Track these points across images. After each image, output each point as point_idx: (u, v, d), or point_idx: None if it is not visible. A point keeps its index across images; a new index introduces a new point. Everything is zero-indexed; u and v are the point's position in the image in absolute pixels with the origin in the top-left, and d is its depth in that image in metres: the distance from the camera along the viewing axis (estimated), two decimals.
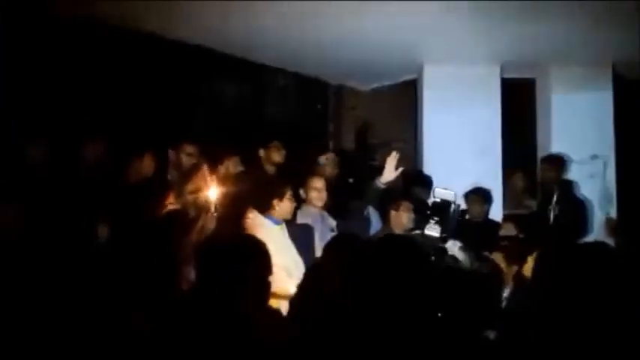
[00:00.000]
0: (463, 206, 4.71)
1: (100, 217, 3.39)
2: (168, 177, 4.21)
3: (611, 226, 5.05)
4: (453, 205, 3.78)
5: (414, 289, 2.23)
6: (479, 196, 4.97)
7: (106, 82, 4.66)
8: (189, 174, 3.92)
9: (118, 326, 1.95)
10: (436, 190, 3.86)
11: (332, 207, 4.26)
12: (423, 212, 3.88)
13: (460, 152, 5.62)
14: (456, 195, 3.88)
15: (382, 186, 4.07)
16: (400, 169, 4.01)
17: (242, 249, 2.09)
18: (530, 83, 6.18)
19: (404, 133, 6.58)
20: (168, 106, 5.10)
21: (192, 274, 2.92)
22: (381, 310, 2.17)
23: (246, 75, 5.74)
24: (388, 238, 2.89)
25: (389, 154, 4.06)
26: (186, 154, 4.22)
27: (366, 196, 4.22)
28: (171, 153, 4.25)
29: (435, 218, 3.71)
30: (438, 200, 3.78)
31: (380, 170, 4.15)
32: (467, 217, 4.68)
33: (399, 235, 3.76)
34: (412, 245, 2.46)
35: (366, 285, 2.29)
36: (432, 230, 3.71)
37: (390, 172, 4.00)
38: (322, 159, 4.84)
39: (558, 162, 5.21)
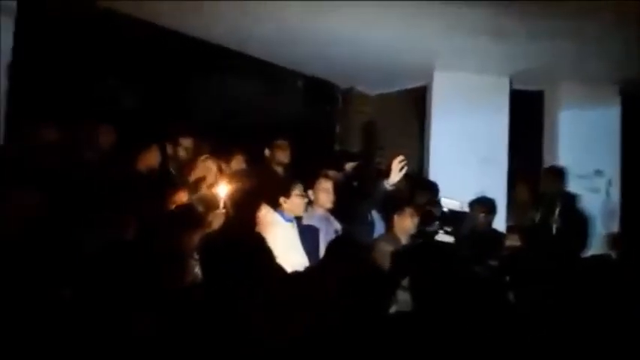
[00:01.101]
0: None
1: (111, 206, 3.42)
2: (171, 170, 4.26)
3: (613, 241, 5.07)
4: (463, 215, 3.82)
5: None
6: (483, 206, 4.98)
7: (118, 73, 4.70)
8: (190, 165, 3.97)
9: (122, 323, 1.95)
10: (442, 199, 3.91)
11: (337, 210, 4.28)
12: (433, 223, 3.91)
13: (466, 161, 5.65)
14: (462, 205, 3.93)
15: (389, 187, 4.11)
16: (405, 170, 4.06)
17: (243, 246, 2.11)
18: (539, 96, 6.21)
19: (410, 139, 6.61)
20: (179, 100, 5.13)
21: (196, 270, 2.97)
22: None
23: (257, 73, 5.76)
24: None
25: (396, 156, 4.11)
26: (184, 148, 4.29)
27: (373, 197, 4.26)
28: (168, 147, 4.29)
29: (447, 229, 3.74)
30: (446, 210, 3.82)
31: (386, 173, 4.19)
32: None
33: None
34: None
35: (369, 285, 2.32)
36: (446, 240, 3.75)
37: (396, 174, 4.06)
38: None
39: (559, 173, 5.22)
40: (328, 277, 2.46)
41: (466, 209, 4.05)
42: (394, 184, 4.09)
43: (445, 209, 3.85)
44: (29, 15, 3.97)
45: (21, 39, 3.84)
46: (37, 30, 4.17)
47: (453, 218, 3.79)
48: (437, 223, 3.84)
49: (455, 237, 3.76)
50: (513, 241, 4.18)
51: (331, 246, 2.92)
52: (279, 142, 4.75)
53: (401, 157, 4.07)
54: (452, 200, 3.93)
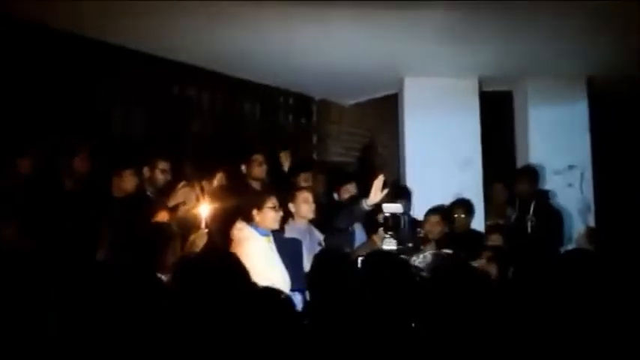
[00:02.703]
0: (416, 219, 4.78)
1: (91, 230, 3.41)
2: (148, 193, 4.26)
3: (590, 235, 5.17)
4: (403, 218, 3.90)
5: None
6: (462, 207, 5.05)
7: (91, 95, 4.67)
8: (167, 191, 3.97)
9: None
10: (384, 205, 3.96)
11: (318, 222, 4.31)
12: (377, 228, 3.98)
13: (442, 164, 5.71)
14: (404, 207, 4.05)
15: (367, 208, 4.11)
16: (386, 191, 4.06)
17: (218, 266, 2.13)
18: (508, 96, 6.32)
19: (386, 147, 6.69)
20: (152, 120, 5.12)
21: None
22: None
23: (230, 90, 5.78)
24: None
25: (376, 176, 4.12)
26: (161, 171, 4.30)
27: (352, 216, 4.28)
28: (145, 170, 4.30)
29: (389, 233, 3.81)
30: (388, 215, 3.88)
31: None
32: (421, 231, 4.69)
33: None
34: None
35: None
36: (389, 244, 3.81)
37: (376, 195, 4.04)
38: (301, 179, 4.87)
39: (531, 174, 5.33)
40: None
41: (406, 212, 4.11)
42: (373, 204, 4.09)
43: (387, 214, 3.89)
44: None
45: None
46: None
47: (395, 222, 3.84)
48: (380, 229, 3.92)
49: (397, 240, 3.82)
50: (495, 242, 4.25)
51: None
52: (255, 156, 4.76)
53: (381, 177, 4.07)
54: (393, 204, 3.98)
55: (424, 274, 3.20)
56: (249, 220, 3.75)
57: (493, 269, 3.52)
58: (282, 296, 2.14)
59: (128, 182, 4.10)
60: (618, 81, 5.93)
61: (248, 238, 3.69)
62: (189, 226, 3.38)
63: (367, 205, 4.09)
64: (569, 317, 2.20)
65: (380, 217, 4.00)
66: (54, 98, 4.39)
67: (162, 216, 3.61)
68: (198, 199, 3.75)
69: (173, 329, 1.97)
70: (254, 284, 2.29)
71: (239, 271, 2.18)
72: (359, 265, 3.12)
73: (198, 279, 2.08)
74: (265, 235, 3.78)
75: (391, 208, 3.92)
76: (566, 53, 5.23)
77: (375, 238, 4.19)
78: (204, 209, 3.32)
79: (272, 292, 2.15)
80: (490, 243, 4.25)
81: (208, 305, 2.01)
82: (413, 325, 2.39)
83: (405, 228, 3.95)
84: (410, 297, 2.49)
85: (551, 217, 5.15)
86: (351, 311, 2.41)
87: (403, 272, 2.72)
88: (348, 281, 2.68)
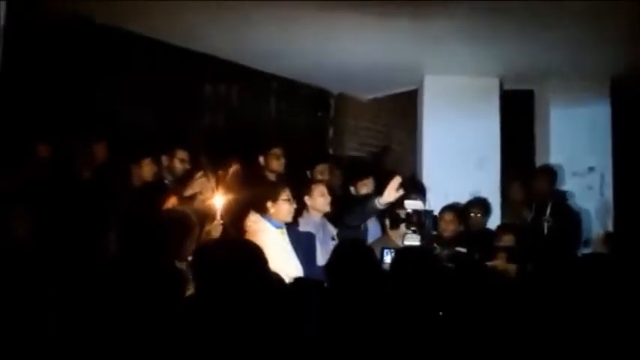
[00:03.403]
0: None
1: (106, 220, 3.43)
2: (166, 182, 4.28)
3: (608, 239, 5.11)
4: (427, 214, 3.92)
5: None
6: (478, 206, 5.01)
7: (106, 84, 4.70)
8: (185, 180, 4.00)
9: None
10: (406, 202, 3.97)
11: (332, 216, 4.31)
12: (399, 224, 3.99)
13: (459, 162, 5.67)
14: (424, 204, 4.06)
15: (381, 207, 4.12)
16: (401, 192, 4.06)
17: (238, 255, 2.12)
18: (529, 95, 6.25)
19: (402, 143, 6.65)
20: (171, 110, 5.14)
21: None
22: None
23: (249, 81, 5.78)
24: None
25: (393, 177, 4.12)
26: (180, 160, 4.34)
27: (364, 214, 4.29)
28: (164, 159, 4.32)
29: (413, 228, 3.83)
30: (410, 211, 3.89)
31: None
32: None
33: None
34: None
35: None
36: (412, 240, 3.83)
37: (390, 194, 4.05)
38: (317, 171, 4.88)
39: (549, 174, 5.26)
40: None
41: (429, 208, 4.14)
42: (387, 203, 4.10)
43: (409, 210, 3.91)
44: (17, 30, 3.96)
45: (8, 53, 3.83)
46: (25, 45, 4.16)
47: (418, 218, 3.88)
48: (403, 224, 3.93)
49: (421, 235, 3.86)
50: (507, 242, 4.21)
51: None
52: (274, 150, 4.78)
53: (398, 178, 4.07)
54: (415, 201, 4.01)
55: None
56: (263, 212, 3.76)
57: (511, 269, 3.50)
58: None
59: (146, 171, 4.13)
60: None
61: (262, 230, 3.70)
62: (204, 216, 3.39)
63: (380, 204, 4.10)
64: (581, 321, 2.18)
65: (402, 213, 4.00)
66: (68, 88, 4.41)
67: (172, 202, 3.62)
68: (214, 190, 3.77)
69: (191, 317, 1.98)
70: (273, 273, 2.29)
71: (259, 259, 2.17)
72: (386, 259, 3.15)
73: (217, 266, 2.06)
74: (279, 227, 3.79)
75: (413, 204, 3.93)
76: (588, 53, 5.15)
77: (392, 233, 4.19)
78: (219, 200, 3.33)
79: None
80: (502, 244, 4.20)
81: (226, 294, 2.01)
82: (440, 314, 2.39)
83: (428, 224, 3.96)
84: (439, 292, 2.47)
85: (569, 218, 5.09)
86: (375, 305, 2.39)
87: (436, 269, 2.68)
88: (371, 274, 2.65)
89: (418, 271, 2.58)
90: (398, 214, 4.06)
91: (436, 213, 4.71)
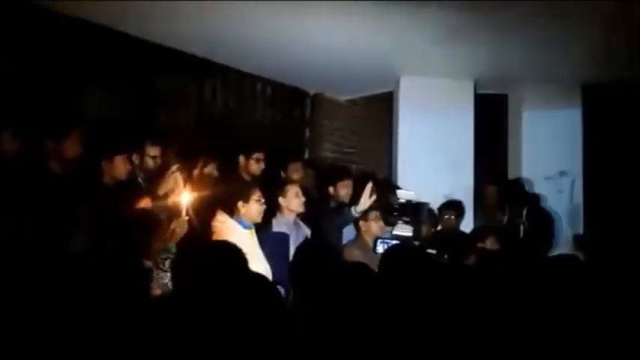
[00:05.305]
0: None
1: (76, 217, 3.35)
2: (139, 180, 4.19)
3: (578, 242, 5.19)
4: (422, 206, 3.94)
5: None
6: (452, 208, 5.05)
7: (83, 79, 4.61)
8: (159, 177, 3.93)
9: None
10: (398, 192, 4.00)
11: (306, 216, 4.29)
12: (391, 214, 3.99)
13: (433, 165, 5.70)
14: (416, 195, 4.10)
15: (356, 214, 4.17)
16: (374, 197, 4.10)
17: (218, 257, 2.10)
18: (503, 99, 6.32)
19: (379, 145, 6.66)
20: (147, 107, 5.07)
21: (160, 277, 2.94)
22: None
23: (225, 80, 5.73)
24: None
25: (366, 183, 4.17)
26: (151, 157, 4.23)
27: (341, 222, 4.34)
28: (135, 156, 4.23)
29: (405, 219, 3.83)
30: (404, 201, 3.90)
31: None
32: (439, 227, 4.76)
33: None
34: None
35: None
36: (403, 230, 3.83)
37: (366, 201, 4.10)
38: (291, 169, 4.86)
39: (522, 178, 5.37)
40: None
41: (421, 199, 4.16)
42: (362, 211, 4.13)
43: (402, 200, 3.91)
44: None
45: None
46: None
47: (410, 208, 3.90)
48: (396, 213, 3.94)
49: (413, 226, 3.88)
50: (490, 245, 4.22)
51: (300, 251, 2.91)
52: (257, 154, 4.72)
53: (370, 185, 4.12)
54: (407, 191, 4.03)
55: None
56: (233, 211, 3.72)
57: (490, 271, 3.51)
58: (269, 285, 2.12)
59: (119, 168, 4.02)
60: (613, 88, 5.94)
61: (230, 230, 3.66)
62: (170, 212, 3.32)
63: (356, 212, 4.15)
64: (553, 322, 2.20)
65: (395, 202, 4.02)
66: (35, 78, 4.30)
67: (146, 202, 3.56)
68: (182, 187, 3.70)
69: (167, 318, 1.95)
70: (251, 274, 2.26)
71: (238, 261, 2.15)
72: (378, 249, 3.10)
73: (199, 270, 2.04)
74: (248, 227, 3.76)
75: (406, 194, 3.95)
76: (561, 58, 5.22)
77: (364, 229, 4.18)
78: (186, 197, 3.27)
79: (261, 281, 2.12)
80: (486, 246, 4.22)
81: (208, 296, 1.98)
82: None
83: (424, 217, 4.00)
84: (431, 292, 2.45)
85: (544, 220, 5.17)
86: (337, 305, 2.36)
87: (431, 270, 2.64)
88: (332, 275, 2.62)
89: (408, 273, 2.54)
90: (391, 205, 4.08)
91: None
